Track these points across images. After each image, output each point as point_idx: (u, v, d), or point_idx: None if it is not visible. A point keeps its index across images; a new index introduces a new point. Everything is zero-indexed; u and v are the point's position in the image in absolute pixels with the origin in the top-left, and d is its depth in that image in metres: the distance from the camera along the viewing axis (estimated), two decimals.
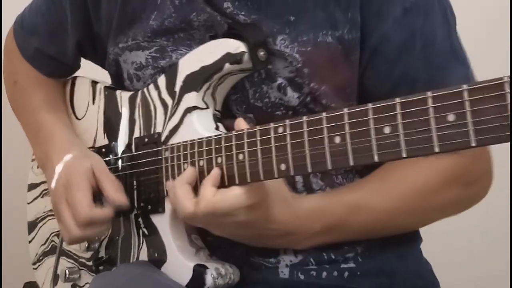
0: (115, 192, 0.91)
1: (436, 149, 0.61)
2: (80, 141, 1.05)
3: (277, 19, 0.86)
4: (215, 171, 0.79)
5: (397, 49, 0.85)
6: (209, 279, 0.84)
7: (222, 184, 0.80)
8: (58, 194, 0.93)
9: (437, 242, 1.23)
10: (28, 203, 1.18)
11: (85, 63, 1.14)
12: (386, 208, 0.86)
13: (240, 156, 0.78)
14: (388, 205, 0.86)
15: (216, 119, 0.89)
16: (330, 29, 0.85)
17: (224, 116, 0.90)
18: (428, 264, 0.98)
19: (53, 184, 0.95)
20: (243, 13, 0.87)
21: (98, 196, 0.93)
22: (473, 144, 0.59)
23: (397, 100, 0.65)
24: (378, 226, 0.88)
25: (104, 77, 1.08)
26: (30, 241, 1.18)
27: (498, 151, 0.85)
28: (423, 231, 0.99)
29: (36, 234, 1.16)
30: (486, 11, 1.53)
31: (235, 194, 0.77)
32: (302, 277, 0.89)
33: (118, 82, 1.02)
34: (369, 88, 0.88)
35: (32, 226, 1.17)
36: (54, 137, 1.03)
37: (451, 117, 0.60)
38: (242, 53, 0.83)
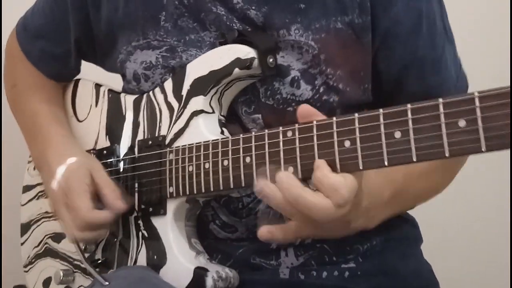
0: (114, 200, 0.92)
1: (447, 154, 0.63)
2: (78, 143, 1.05)
3: (288, 8, 0.88)
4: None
5: (408, 30, 0.89)
6: (209, 281, 0.85)
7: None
8: (57, 198, 0.94)
9: (437, 242, 1.24)
10: (22, 205, 1.17)
11: (87, 66, 1.14)
12: (429, 169, 0.89)
13: (247, 159, 0.80)
14: (429, 167, 0.88)
15: (221, 124, 0.90)
16: (340, 14, 0.87)
17: (228, 120, 0.91)
18: (428, 264, 0.99)
19: (53, 186, 0.96)
20: (253, 7, 0.89)
21: (97, 197, 0.93)
22: (483, 150, 0.61)
23: (408, 106, 0.67)
24: (426, 188, 0.93)
25: (105, 80, 1.09)
26: (22, 243, 1.16)
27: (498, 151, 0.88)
28: (423, 231, 1.01)
29: (29, 236, 1.15)
30: (486, 11, 1.55)
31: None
32: (302, 277, 0.90)
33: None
34: (381, 70, 0.91)
35: (25, 228, 1.16)
36: (52, 139, 1.03)
37: (462, 123, 0.63)
38: (252, 59, 0.85)
